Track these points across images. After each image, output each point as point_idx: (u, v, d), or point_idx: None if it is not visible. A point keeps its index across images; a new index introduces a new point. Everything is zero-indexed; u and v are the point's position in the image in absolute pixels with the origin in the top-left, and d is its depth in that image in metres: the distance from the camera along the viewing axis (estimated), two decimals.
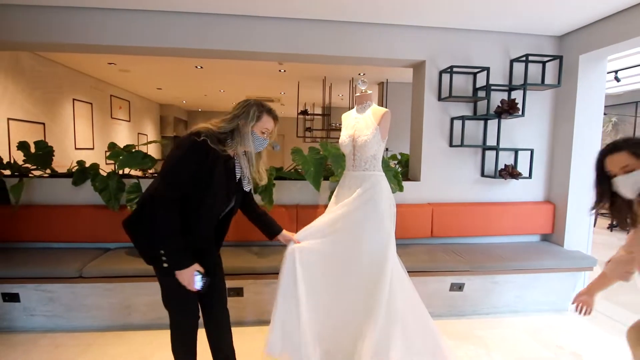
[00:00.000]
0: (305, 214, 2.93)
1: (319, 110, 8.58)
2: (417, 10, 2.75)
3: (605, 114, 7.11)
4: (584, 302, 1.69)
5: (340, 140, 2.11)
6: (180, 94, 9.06)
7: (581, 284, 3.02)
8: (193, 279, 1.50)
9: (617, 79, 4.53)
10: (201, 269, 1.53)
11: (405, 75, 5.63)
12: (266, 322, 1.97)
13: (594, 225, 6.35)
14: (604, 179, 1.46)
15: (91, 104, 6.61)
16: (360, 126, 2.01)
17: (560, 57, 3.03)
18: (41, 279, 2.44)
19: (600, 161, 1.46)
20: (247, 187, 1.74)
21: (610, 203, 1.48)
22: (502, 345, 2.47)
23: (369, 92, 2.08)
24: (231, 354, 1.86)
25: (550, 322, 2.81)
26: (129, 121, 8.25)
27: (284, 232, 1.94)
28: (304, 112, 6.99)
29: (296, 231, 2.03)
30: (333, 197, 2.13)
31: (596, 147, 3.15)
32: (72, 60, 5.65)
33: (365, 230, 1.92)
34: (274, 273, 2.03)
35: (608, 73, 5.57)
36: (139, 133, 8.70)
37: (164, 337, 1.78)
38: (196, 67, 5.92)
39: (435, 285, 2.77)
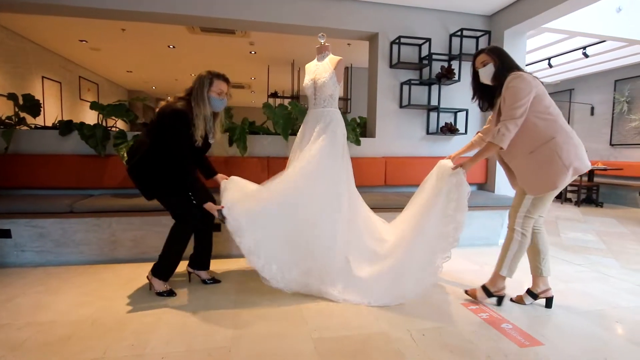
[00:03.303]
0: (275, 165, 3.32)
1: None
2: None
3: None
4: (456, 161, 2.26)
5: (303, 84, 2.53)
6: (151, 78, 9.15)
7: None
8: (214, 209, 2.13)
9: (585, 55, 5.60)
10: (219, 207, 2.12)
11: (365, 60, 6.14)
12: None
13: (562, 203, 6.83)
14: (475, 76, 2.08)
15: (60, 83, 6.65)
16: (320, 70, 2.44)
17: (489, 32, 3.62)
18: (34, 214, 2.68)
19: (473, 64, 2.06)
20: (211, 140, 2.27)
21: (481, 92, 2.07)
22: None
23: (327, 44, 2.52)
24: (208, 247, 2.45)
25: (480, 251, 3.37)
26: None
27: (218, 175, 2.44)
28: (274, 95, 7.35)
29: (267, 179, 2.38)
30: (299, 133, 2.54)
31: None
32: (41, 37, 5.70)
33: (322, 155, 2.32)
34: None
35: (544, 60, 6.40)
36: None
37: (149, 267, 2.29)
38: (169, 46, 6.13)
39: (387, 220, 3.24)
